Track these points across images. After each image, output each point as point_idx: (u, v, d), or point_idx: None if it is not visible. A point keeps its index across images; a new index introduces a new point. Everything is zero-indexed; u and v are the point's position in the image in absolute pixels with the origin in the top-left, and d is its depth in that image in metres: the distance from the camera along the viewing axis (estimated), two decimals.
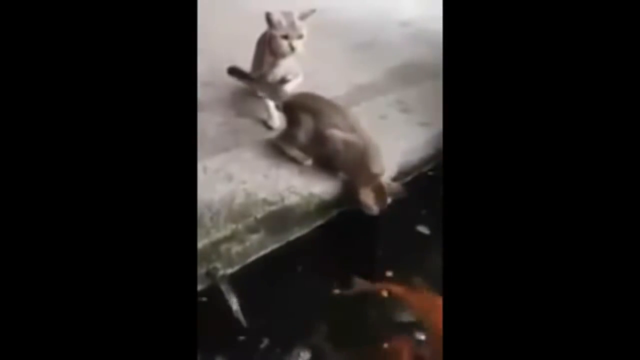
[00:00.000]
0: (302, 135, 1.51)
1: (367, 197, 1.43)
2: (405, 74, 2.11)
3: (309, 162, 1.56)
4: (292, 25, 1.64)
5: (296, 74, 1.81)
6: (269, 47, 1.71)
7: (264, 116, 1.78)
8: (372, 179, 1.44)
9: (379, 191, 1.43)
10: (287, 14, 1.66)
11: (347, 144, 1.45)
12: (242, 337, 1.24)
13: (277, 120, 1.73)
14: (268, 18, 1.65)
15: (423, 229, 1.56)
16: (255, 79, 1.78)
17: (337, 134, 1.45)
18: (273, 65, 1.74)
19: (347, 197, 1.55)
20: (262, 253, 1.45)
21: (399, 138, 1.66)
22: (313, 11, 1.67)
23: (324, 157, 1.50)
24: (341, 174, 1.53)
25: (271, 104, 1.74)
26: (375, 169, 1.45)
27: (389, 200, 1.45)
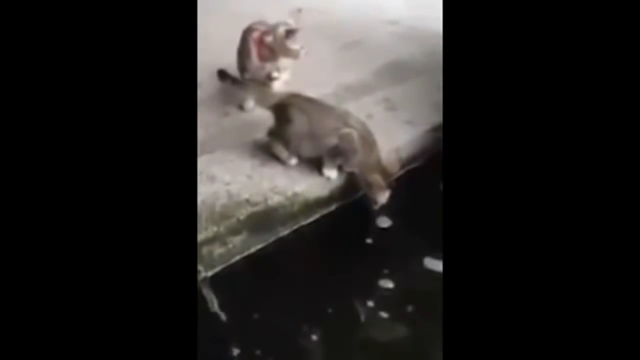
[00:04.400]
0: (294, 134, 1.50)
1: (378, 181, 1.46)
2: (393, 73, 2.09)
3: (294, 161, 1.55)
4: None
5: (284, 69, 1.78)
6: (257, 50, 1.70)
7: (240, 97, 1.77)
8: (376, 163, 1.47)
9: (385, 172, 1.47)
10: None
11: (361, 139, 1.47)
12: (224, 339, 1.23)
13: (251, 102, 1.72)
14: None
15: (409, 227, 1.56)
16: (243, 82, 1.77)
17: (353, 132, 1.46)
18: (261, 68, 1.73)
19: (336, 196, 1.55)
20: (245, 254, 1.43)
21: (384, 137, 1.64)
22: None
23: (337, 155, 1.50)
24: (348, 170, 1.53)
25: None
26: (377, 153, 1.48)
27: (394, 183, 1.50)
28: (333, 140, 1.48)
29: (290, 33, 1.65)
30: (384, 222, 1.55)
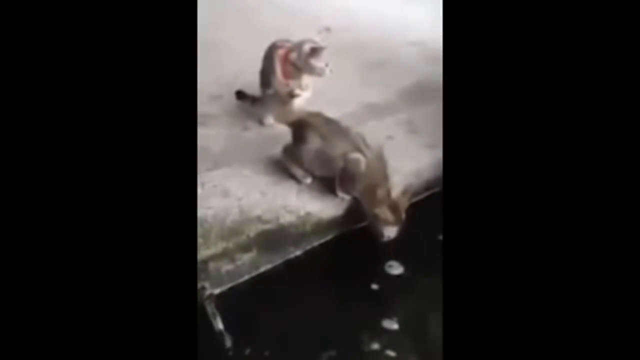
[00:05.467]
0: (308, 154, 1.49)
1: (385, 214, 1.40)
2: (416, 94, 2.07)
3: (309, 180, 1.53)
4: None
5: (306, 86, 1.78)
6: (282, 67, 1.71)
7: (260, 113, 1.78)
8: (386, 196, 1.42)
9: (394, 207, 1.41)
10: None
11: (370, 166, 1.43)
12: None
13: (271, 118, 1.74)
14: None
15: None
16: (263, 101, 1.76)
17: (361, 158, 1.43)
18: (285, 85, 1.73)
19: (350, 217, 1.51)
20: (254, 273, 1.40)
21: (403, 159, 1.61)
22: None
23: (343, 179, 1.47)
24: (354, 196, 1.49)
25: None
26: (388, 185, 1.43)
27: (404, 216, 1.42)
28: (341, 163, 1.45)
29: (314, 51, 1.64)
30: (395, 268, 1.46)
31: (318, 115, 1.55)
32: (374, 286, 1.40)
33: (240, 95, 1.82)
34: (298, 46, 1.68)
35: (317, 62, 1.65)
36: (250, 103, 1.80)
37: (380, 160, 1.45)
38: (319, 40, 1.67)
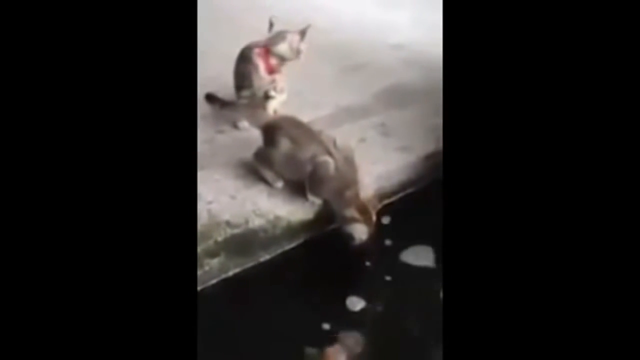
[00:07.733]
0: (278, 157, 1.49)
1: (354, 216, 1.40)
2: (392, 97, 2.06)
3: (279, 184, 1.52)
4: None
5: (281, 90, 1.78)
6: (264, 63, 1.71)
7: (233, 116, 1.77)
8: (355, 198, 1.41)
9: (364, 209, 1.40)
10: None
11: (339, 169, 1.43)
12: None
13: (245, 122, 1.73)
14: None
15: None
16: (233, 104, 1.76)
17: (329, 160, 1.43)
18: (271, 81, 1.73)
19: (321, 221, 1.51)
20: (223, 276, 1.39)
21: (374, 162, 1.61)
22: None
23: (313, 182, 1.47)
24: (323, 199, 1.49)
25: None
26: (356, 187, 1.42)
27: (374, 218, 1.41)
28: (310, 167, 1.45)
29: (303, 33, 1.67)
30: (356, 304, 1.38)
31: (289, 118, 1.55)
32: (346, 292, 1.40)
33: (209, 98, 1.81)
34: (279, 38, 1.69)
35: (304, 44, 1.68)
36: (219, 106, 1.79)
37: (349, 163, 1.45)
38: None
